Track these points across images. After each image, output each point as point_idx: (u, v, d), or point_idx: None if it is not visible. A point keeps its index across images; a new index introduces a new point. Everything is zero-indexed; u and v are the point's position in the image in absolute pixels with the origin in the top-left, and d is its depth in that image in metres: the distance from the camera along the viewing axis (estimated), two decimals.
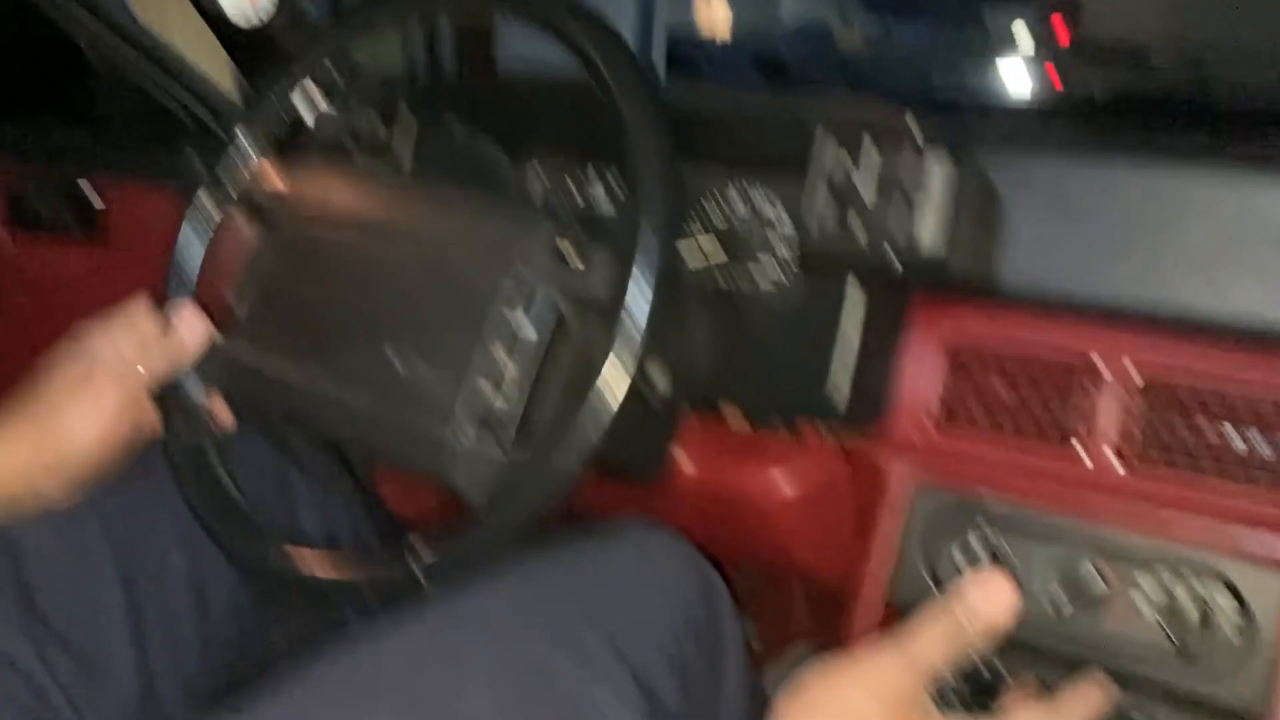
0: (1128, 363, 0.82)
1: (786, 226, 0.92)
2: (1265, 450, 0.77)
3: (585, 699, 0.64)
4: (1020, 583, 0.85)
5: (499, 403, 0.72)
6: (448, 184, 0.91)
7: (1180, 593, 0.81)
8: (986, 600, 0.59)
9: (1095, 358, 0.83)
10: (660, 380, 0.89)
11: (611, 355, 0.68)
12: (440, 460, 0.73)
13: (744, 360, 0.92)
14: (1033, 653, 0.86)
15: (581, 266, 0.74)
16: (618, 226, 0.79)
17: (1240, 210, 0.84)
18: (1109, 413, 0.82)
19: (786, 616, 1.31)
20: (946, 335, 0.88)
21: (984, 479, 0.87)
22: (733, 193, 0.98)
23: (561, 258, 0.74)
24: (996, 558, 0.87)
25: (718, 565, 0.83)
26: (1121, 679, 0.83)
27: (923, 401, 0.88)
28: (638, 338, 0.69)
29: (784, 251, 0.92)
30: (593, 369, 0.69)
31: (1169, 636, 0.81)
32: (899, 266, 0.82)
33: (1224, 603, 0.80)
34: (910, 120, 0.82)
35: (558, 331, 0.74)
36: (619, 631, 0.69)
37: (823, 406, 0.86)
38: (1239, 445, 0.77)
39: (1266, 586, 0.79)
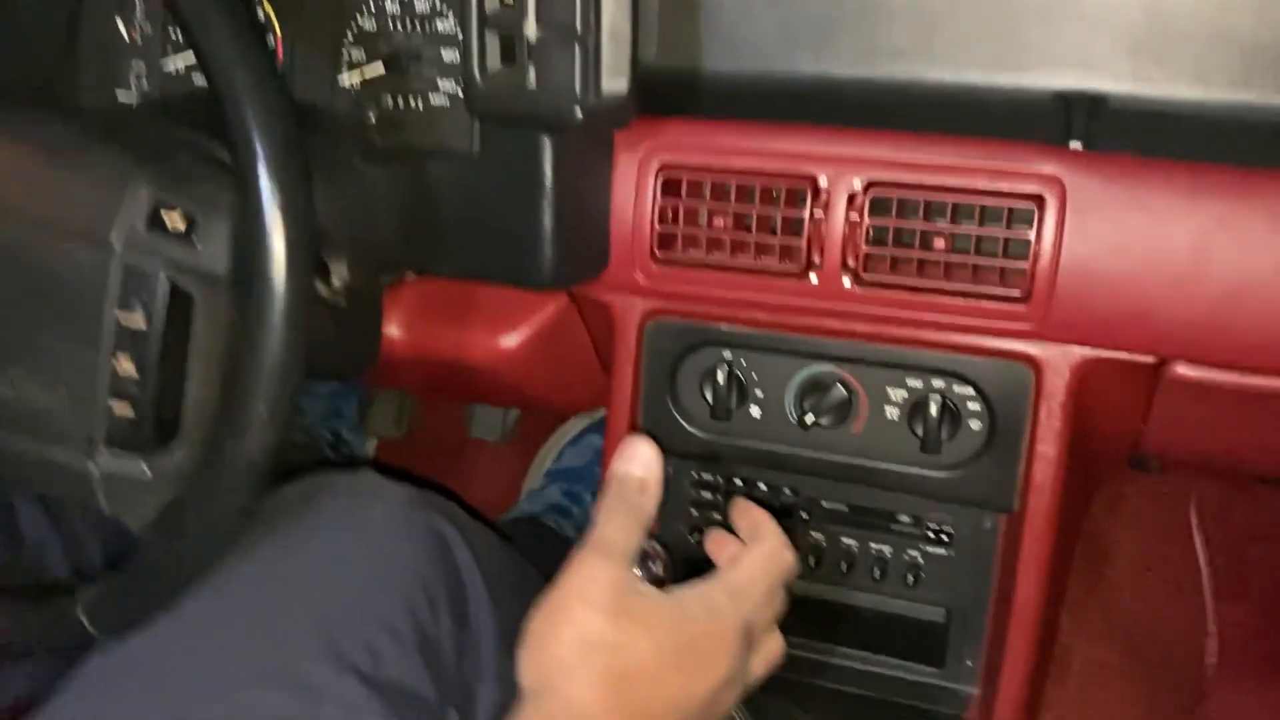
0: (847, 173, 0.74)
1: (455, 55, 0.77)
2: (992, 253, 0.72)
3: None
4: (764, 400, 0.83)
5: (124, 411, 0.60)
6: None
7: (922, 394, 0.79)
8: (634, 465, 0.64)
9: (812, 169, 0.75)
10: (340, 275, 0.77)
11: (253, 336, 0.56)
12: (87, 489, 0.61)
13: (445, 223, 0.79)
14: (783, 467, 0.85)
15: (196, 242, 0.60)
16: (229, 175, 0.62)
17: None
18: (831, 227, 0.75)
19: None
20: (655, 161, 0.77)
21: (713, 305, 0.81)
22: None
23: (166, 229, 0.59)
24: (736, 379, 0.83)
25: (453, 496, 0.76)
26: (874, 480, 0.83)
27: (637, 237, 0.79)
28: (280, 304, 0.56)
29: (455, 89, 0.78)
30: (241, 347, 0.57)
31: (915, 435, 0.80)
32: (579, 116, 0.69)
33: (966, 398, 0.78)
34: None
35: (182, 311, 0.60)
36: (336, 627, 0.62)
37: (533, 275, 0.76)
38: (964, 244, 0.73)
39: (1003, 378, 0.77)
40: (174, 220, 0.59)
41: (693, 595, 0.61)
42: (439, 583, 0.68)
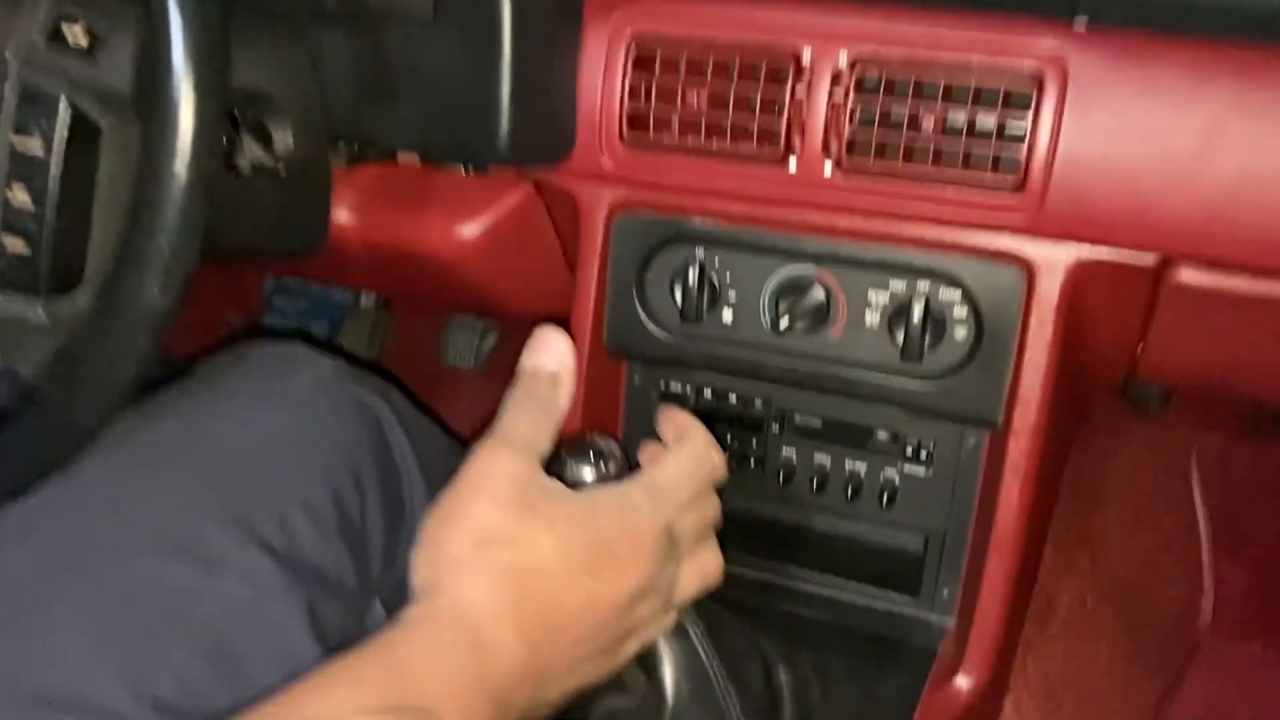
0: (832, 46, 0.69)
1: None
2: (985, 138, 0.66)
3: (208, 603, 0.53)
4: (737, 302, 0.78)
5: (17, 247, 0.54)
6: None
7: (906, 298, 0.74)
8: (546, 357, 0.58)
9: (795, 41, 0.69)
10: (283, 142, 0.72)
11: (157, 167, 0.50)
12: None
13: (399, 91, 0.73)
14: (755, 375, 0.79)
15: (100, 58, 0.54)
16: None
17: None
18: (813, 108, 0.69)
19: None
20: (626, 30, 0.72)
21: (684, 195, 0.75)
22: None
23: (67, 44, 0.53)
24: (708, 279, 0.77)
25: (387, 374, 0.71)
26: (851, 391, 0.77)
27: (606, 117, 0.73)
28: (185, 126, 0.51)
29: None
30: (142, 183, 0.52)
31: (896, 343, 0.74)
32: None
33: (951, 303, 0.73)
34: None
35: (87, 141, 0.55)
36: (244, 498, 0.56)
37: (488, 147, 0.70)
38: (956, 129, 0.67)
39: (992, 281, 0.72)
40: (76, 35, 0.53)
41: (606, 493, 0.55)
42: (369, 464, 0.62)
